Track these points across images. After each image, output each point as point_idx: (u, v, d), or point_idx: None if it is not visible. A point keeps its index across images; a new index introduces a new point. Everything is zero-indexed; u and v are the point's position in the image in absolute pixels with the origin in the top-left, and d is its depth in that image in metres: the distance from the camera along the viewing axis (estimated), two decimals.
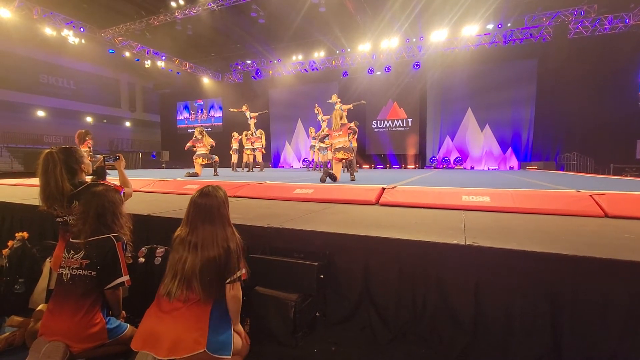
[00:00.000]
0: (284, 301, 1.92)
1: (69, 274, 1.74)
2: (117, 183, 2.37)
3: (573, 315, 1.59)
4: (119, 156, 2.49)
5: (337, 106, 9.27)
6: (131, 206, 2.74)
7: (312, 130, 12.39)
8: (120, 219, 1.94)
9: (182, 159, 18.45)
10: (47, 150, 2.09)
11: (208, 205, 1.69)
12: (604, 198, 2.83)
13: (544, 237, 1.98)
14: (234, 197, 4.06)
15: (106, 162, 2.42)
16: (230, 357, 1.57)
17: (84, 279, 1.73)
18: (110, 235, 1.83)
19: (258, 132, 11.47)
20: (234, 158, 11.57)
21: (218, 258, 1.61)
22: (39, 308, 1.95)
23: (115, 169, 2.51)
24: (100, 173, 2.36)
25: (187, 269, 1.60)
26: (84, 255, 1.76)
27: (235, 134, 11.69)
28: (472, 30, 13.78)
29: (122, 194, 2.29)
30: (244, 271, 1.68)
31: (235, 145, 11.56)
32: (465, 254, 1.79)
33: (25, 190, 4.78)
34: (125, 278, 1.81)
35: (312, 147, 12.09)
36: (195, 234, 1.65)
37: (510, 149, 14.66)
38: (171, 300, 1.59)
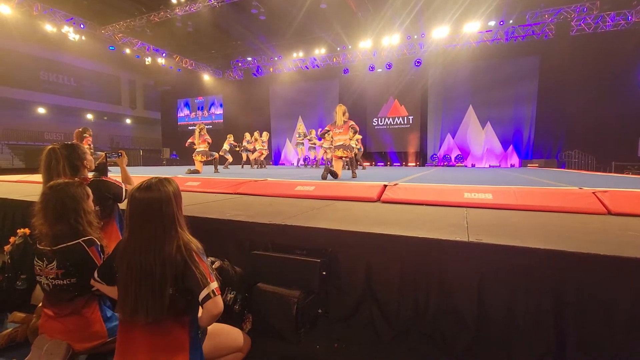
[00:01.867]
0: (286, 298, 1.92)
1: (50, 284, 1.61)
2: (119, 180, 2.37)
3: (577, 312, 1.59)
4: (121, 153, 2.47)
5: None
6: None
7: (301, 126, 12.74)
8: (86, 216, 1.69)
9: (183, 156, 18.47)
10: (50, 147, 2.08)
11: (148, 201, 1.34)
12: (606, 195, 2.82)
13: (547, 234, 1.97)
14: (235, 194, 4.06)
15: (108, 159, 2.41)
16: None
17: (66, 287, 1.61)
18: (80, 241, 1.64)
19: (264, 135, 11.91)
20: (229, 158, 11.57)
21: (161, 270, 1.30)
22: (40, 304, 1.95)
23: (118, 165, 2.50)
24: (101, 170, 2.36)
25: (135, 286, 1.31)
26: (57, 265, 1.59)
27: (230, 137, 11.51)
28: (473, 27, 13.71)
29: (123, 190, 2.29)
30: (216, 284, 1.36)
31: (226, 146, 11.35)
32: (469, 250, 1.79)
33: (26, 187, 4.78)
34: None
35: (298, 144, 12.63)
36: (135, 239, 1.35)
37: (511, 146, 14.63)
38: (137, 323, 1.31)
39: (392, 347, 1.90)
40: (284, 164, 19.11)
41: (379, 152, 17.13)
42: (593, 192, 2.91)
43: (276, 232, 2.26)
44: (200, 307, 1.38)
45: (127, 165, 2.57)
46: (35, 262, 1.66)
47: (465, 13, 12.82)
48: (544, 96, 13.71)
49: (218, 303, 1.36)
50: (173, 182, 1.45)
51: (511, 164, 14.59)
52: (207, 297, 1.33)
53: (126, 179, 2.42)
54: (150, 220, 1.33)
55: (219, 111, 21.14)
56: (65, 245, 1.63)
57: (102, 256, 1.70)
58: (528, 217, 2.50)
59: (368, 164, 16.71)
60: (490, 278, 1.76)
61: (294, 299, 1.90)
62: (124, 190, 2.28)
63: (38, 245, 1.66)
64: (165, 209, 1.35)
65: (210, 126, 20.98)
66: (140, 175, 5.74)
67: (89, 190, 1.82)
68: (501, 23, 13.59)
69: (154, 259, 1.30)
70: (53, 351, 1.54)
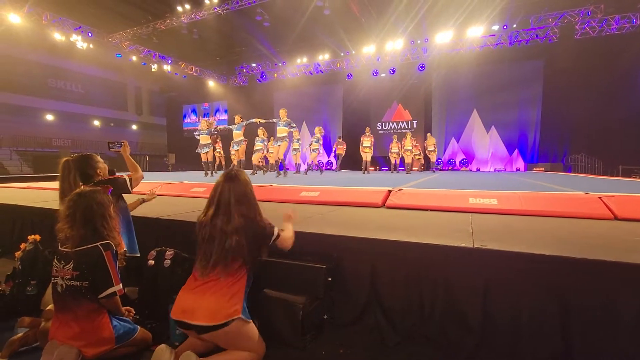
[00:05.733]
0: (292, 304, 1.93)
1: (64, 285, 1.69)
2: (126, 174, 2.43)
3: (582, 318, 1.59)
4: (123, 142, 2.57)
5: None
6: (139, 209, 2.77)
7: (320, 129, 11.60)
8: (110, 221, 1.84)
9: (189, 161, 18.60)
10: (64, 159, 2.26)
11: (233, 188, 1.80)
12: (613, 200, 2.80)
13: (552, 239, 1.97)
14: None
15: (111, 149, 2.50)
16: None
17: (78, 289, 1.68)
18: (98, 244, 1.74)
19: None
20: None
21: (248, 236, 1.74)
22: (48, 308, 1.98)
23: (122, 154, 2.58)
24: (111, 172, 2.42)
25: (219, 248, 1.70)
26: (74, 266, 1.69)
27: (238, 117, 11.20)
28: (477, 31, 13.72)
29: (128, 181, 2.35)
30: (276, 229, 1.89)
31: (217, 147, 11.45)
32: (474, 256, 1.79)
33: (35, 194, 4.86)
34: (117, 287, 1.74)
35: (313, 150, 11.64)
36: (222, 214, 1.75)
37: (516, 150, 14.55)
38: (208, 275, 1.70)
39: (398, 352, 1.89)
40: (288, 169, 19.12)
41: (384, 156, 17.10)
42: (599, 197, 2.89)
43: None
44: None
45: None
46: (53, 263, 1.75)
47: (469, 18, 12.85)
48: (549, 100, 13.64)
49: (281, 239, 1.95)
50: (244, 172, 1.91)
51: (516, 168, 14.50)
52: (275, 238, 1.91)
53: (132, 166, 2.51)
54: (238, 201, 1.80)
55: (224, 117, 21.30)
56: (84, 247, 1.72)
57: (116, 261, 1.78)
58: (533, 223, 2.49)
59: (373, 168, 16.71)
60: (495, 284, 1.76)
61: (299, 305, 1.91)
62: (127, 180, 2.37)
63: (60, 247, 1.75)
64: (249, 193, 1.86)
65: (216, 132, 21.11)
66: (147, 181, 5.80)
67: (111, 198, 1.96)
68: (505, 27, 13.59)
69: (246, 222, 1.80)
70: (63, 356, 1.56)
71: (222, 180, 1.82)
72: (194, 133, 9.46)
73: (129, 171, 2.57)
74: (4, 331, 2.05)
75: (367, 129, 11.77)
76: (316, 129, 10.20)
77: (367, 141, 11.28)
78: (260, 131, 9.60)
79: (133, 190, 2.39)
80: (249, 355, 1.69)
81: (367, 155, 11.23)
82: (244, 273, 1.76)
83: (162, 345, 1.64)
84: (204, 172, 9.09)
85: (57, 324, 1.71)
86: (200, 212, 1.87)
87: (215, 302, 1.64)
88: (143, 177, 2.51)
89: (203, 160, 9.08)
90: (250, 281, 1.83)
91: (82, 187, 2.08)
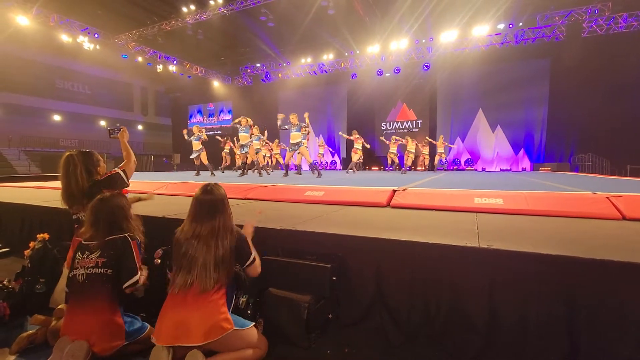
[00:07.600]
0: (297, 303, 1.94)
1: (85, 274, 1.76)
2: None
3: (590, 320, 1.57)
4: (122, 127, 2.54)
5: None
6: (146, 208, 2.80)
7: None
8: (132, 221, 1.99)
9: (192, 161, 18.72)
10: (67, 153, 2.21)
11: (213, 201, 1.81)
12: (621, 200, 2.77)
13: (559, 240, 1.96)
14: (245, 199, 4.11)
15: (111, 136, 2.52)
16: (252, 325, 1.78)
17: (100, 277, 1.75)
18: (126, 234, 1.88)
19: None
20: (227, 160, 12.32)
21: (230, 247, 1.76)
22: (59, 307, 2.01)
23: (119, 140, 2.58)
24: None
25: (202, 261, 1.70)
26: (100, 254, 1.79)
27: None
28: (482, 30, 13.64)
29: (123, 174, 2.34)
30: (255, 252, 1.89)
31: (226, 148, 12.28)
32: (479, 256, 1.78)
33: (43, 193, 4.92)
34: (139, 276, 1.83)
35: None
36: (203, 228, 1.76)
37: (522, 150, 14.44)
38: (191, 291, 1.68)
39: (402, 353, 1.89)
40: (292, 169, 19.15)
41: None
42: (607, 197, 2.86)
43: (287, 237, 2.28)
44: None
45: (138, 171, 2.64)
46: (76, 256, 1.83)
47: (474, 16, 12.79)
48: (556, 99, 13.52)
49: (254, 267, 1.92)
50: (221, 186, 1.91)
51: (522, 168, 14.39)
52: (250, 263, 1.91)
53: (126, 151, 2.45)
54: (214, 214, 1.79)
55: (228, 117, 21.39)
56: (113, 237, 1.85)
57: (141, 251, 1.90)
58: (540, 223, 2.47)
59: (377, 168, 16.68)
60: (501, 284, 1.75)
61: (304, 304, 1.92)
62: (121, 174, 2.31)
63: (83, 241, 1.86)
64: (225, 206, 1.85)
65: (220, 131, 21.25)
66: (152, 181, 5.86)
67: (129, 201, 2.08)
68: (511, 26, 13.50)
69: (227, 239, 1.82)
70: (75, 353, 1.59)
71: (200, 194, 1.83)
72: (189, 137, 10.02)
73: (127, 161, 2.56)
74: (14, 328, 2.08)
75: (354, 131, 12.15)
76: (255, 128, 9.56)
77: (358, 143, 11.85)
78: (255, 129, 9.66)
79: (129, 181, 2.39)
80: (253, 352, 1.71)
81: (355, 156, 11.86)
82: (224, 286, 1.76)
83: (159, 345, 1.65)
84: (195, 172, 9.93)
85: (69, 319, 1.75)
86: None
87: (207, 319, 1.63)
88: (136, 163, 2.49)
89: (196, 163, 9.98)
90: (233, 292, 1.86)
91: (103, 192, 2.11)
